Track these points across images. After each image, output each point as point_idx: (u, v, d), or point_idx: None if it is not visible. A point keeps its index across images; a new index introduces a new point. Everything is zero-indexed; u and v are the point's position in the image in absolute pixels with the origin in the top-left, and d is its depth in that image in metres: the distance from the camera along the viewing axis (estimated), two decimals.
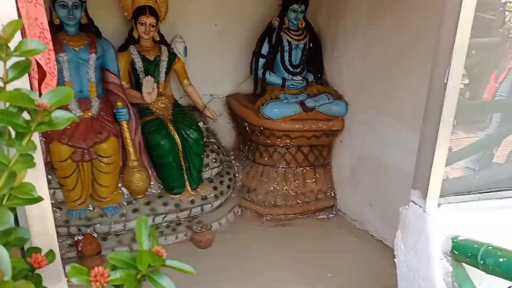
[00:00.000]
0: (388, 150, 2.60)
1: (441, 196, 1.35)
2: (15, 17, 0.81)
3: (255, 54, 3.08)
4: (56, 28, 2.48)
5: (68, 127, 2.41)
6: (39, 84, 0.88)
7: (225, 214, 2.92)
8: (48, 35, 0.87)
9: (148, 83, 2.59)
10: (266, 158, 3.10)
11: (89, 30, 2.58)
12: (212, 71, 3.35)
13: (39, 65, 0.87)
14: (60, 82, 2.51)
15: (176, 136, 2.69)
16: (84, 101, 2.55)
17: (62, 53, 2.44)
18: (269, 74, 3.08)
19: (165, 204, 2.68)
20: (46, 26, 0.88)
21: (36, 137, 0.87)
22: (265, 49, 3.06)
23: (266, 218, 2.99)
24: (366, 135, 2.83)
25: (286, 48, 3.06)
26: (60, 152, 2.37)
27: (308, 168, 3.15)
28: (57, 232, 2.41)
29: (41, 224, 1.01)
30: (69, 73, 2.50)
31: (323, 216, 3.10)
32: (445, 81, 1.21)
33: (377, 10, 2.65)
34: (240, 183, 3.17)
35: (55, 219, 2.39)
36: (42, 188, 0.92)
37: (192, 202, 2.77)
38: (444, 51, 1.20)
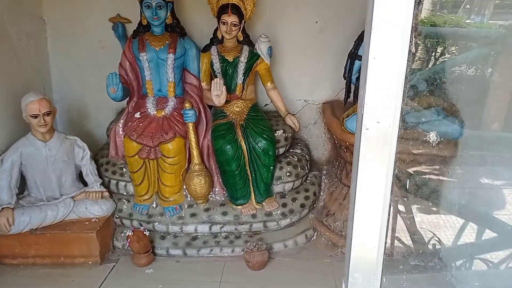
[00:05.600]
0: None
1: None
2: None
3: (350, 56, 2.60)
4: (144, 28, 2.59)
5: (140, 124, 2.49)
6: None
7: (294, 236, 2.58)
8: None
9: (216, 85, 2.44)
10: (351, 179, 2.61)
11: (174, 30, 2.61)
12: (310, 75, 3.02)
13: None
14: (143, 81, 2.63)
15: (243, 143, 2.48)
16: (161, 100, 2.60)
17: (143, 53, 2.52)
18: None
19: (224, 213, 2.52)
20: None
21: None
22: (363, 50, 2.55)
23: (341, 250, 2.52)
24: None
25: None
26: (129, 148, 2.47)
27: (405, 199, 2.51)
28: (123, 224, 2.59)
29: None
30: (150, 72, 2.57)
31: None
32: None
33: None
34: (322, 204, 2.76)
35: (121, 210, 2.57)
36: None
37: (254, 216, 2.52)
38: None
